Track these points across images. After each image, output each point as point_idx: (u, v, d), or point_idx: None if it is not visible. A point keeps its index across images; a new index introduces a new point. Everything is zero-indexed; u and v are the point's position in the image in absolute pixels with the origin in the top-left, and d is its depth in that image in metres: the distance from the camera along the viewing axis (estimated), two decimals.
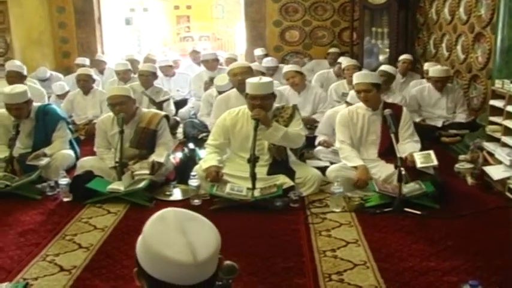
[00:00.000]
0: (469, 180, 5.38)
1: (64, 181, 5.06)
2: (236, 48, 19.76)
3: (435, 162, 4.81)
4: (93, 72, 8.70)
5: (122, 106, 5.41)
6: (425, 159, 4.84)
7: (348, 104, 5.93)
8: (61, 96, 8.58)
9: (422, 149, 5.20)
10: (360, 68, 7.74)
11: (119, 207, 4.87)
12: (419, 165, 4.82)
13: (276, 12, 11.35)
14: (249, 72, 6.26)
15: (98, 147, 5.68)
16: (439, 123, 7.20)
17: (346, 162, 5.22)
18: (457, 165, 5.60)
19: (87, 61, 10.20)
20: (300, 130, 5.27)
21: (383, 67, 7.56)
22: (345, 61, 8.10)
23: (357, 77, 5.44)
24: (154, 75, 8.12)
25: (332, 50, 10.72)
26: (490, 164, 5.33)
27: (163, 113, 5.89)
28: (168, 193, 5.21)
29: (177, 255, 1.59)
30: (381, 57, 10.13)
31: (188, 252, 1.60)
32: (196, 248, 1.61)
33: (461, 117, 7.25)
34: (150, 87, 7.92)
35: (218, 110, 6.16)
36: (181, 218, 1.70)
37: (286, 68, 7.76)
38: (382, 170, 5.14)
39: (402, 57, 8.85)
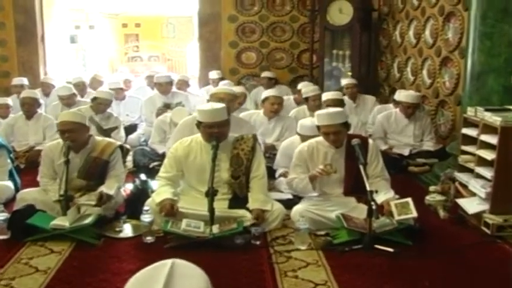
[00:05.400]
0: (441, 213, 5.13)
1: (1, 216, 4.59)
2: (188, 70, 19.33)
3: (414, 214, 4.44)
4: (39, 94, 8.17)
5: (72, 134, 5.00)
6: (403, 209, 4.48)
7: (301, 135, 5.66)
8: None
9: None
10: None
11: (63, 245, 4.41)
12: (397, 217, 4.46)
13: (232, 33, 10.98)
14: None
15: (42, 176, 5.23)
16: (406, 152, 7.00)
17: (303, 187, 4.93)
18: (427, 197, 5.35)
19: (25, 81, 9.55)
20: (264, 172, 5.03)
21: (329, 95, 7.27)
22: (308, 89, 7.72)
23: (324, 118, 4.88)
24: (111, 103, 7.81)
25: (264, 74, 10.23)
26: (462, 196, 5.12)
27: (118, 142, 5.53)
28: (118, 229, 4.79)
29: None
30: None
31: None
32: None
33: (428, 145, 7.09)
34: (102, 113, 7.54)
35: (181, 135, 5.67)
36: (176, 273, 1.68)
37: (269, 92, 7.36)
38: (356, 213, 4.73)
39: (345, 82, 8.60)
